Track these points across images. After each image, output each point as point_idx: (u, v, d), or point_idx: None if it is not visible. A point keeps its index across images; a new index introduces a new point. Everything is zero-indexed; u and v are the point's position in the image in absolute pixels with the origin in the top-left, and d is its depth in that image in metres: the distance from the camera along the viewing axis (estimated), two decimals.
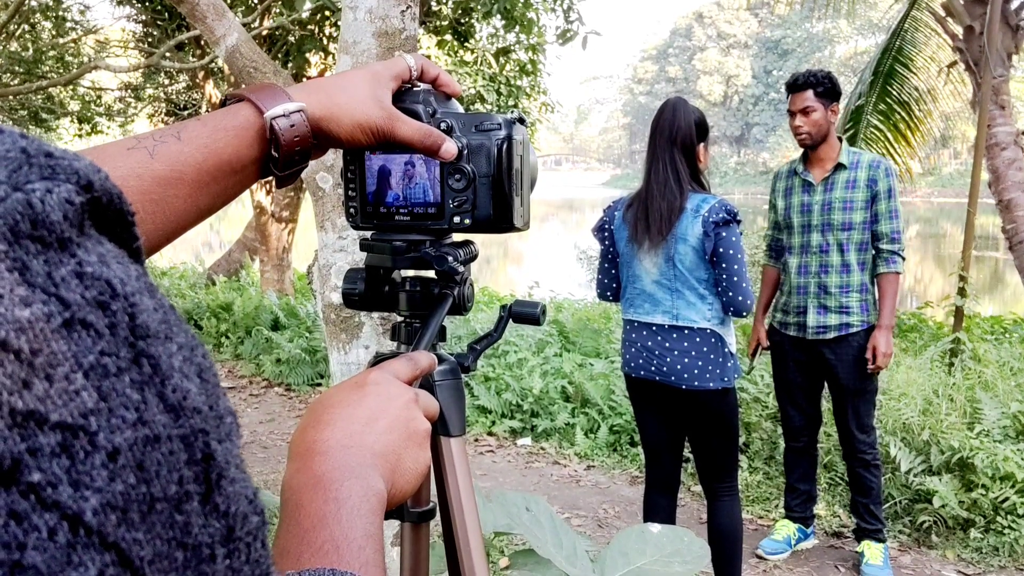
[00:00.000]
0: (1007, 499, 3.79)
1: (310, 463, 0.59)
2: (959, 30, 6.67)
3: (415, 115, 0.83)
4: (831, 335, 3.47)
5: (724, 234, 2.74)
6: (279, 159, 0.70)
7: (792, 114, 3.49)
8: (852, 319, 3.45)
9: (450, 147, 0.80)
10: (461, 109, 0.87)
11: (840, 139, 3.51)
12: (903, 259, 3.44)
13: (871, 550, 3.55)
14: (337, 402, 0.65)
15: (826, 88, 3.43)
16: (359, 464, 0.60)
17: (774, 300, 3.76)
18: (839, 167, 3.44)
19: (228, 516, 0.30)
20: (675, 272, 2.83)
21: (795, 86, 3.48)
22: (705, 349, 2.84)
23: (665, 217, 2.79)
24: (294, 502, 0.57)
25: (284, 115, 0.70)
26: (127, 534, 0.25)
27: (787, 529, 3.77)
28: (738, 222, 2.78)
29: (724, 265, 2.76)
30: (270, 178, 0.75)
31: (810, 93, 3.42)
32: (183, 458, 0.28)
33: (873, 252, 3.46)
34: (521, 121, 0.86)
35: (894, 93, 7.68)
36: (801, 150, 3.59)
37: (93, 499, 0.24)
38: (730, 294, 2.77)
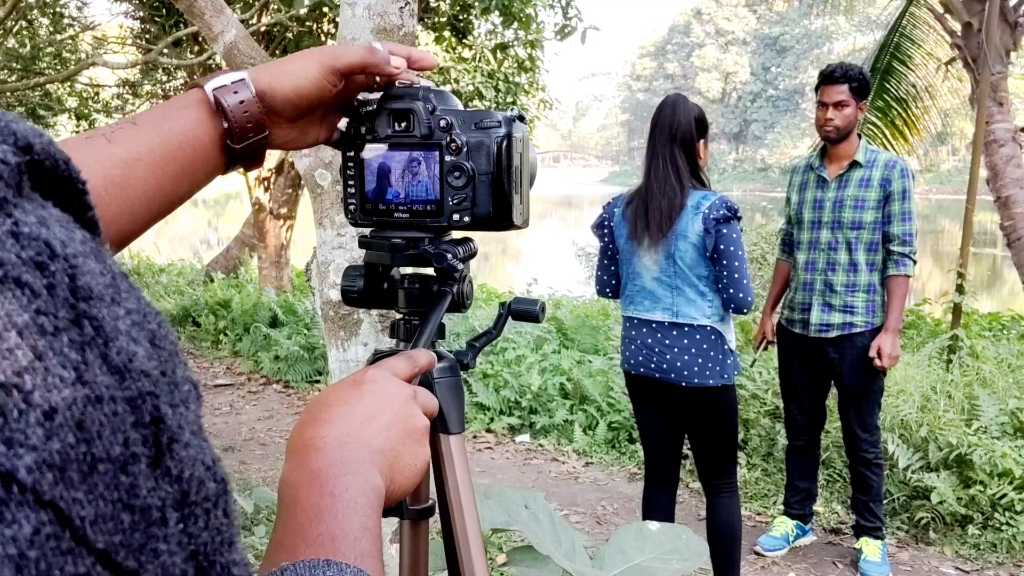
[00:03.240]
0: (1005, 495, 3.79)
1: (307, 459, 0.59)
2: (957, 27, 6.67)
3: (413, 112, 0.83)
4: (834, 334, 3.45)
5: (725, 231, 2.74)
6: (233, 132, 0.72)
7: (824, 106, 3.41)
8: (856, 319, 3.41)
9: (397, 60, 0.80)
10: (460, 106, 0.87)
11: (859, 136, 3.47)
12: (914, 262, 3.39)
13: (869, 547, 3.55)
14: (335, 400, 0.65)
15: (860, 84, 3.38)
16: (357, 460, 0.60)
17: (784, 297, 3.73)
18: (854, 165, 3.39)
19: (182, 481, 0.30)
20: (675, 269, 2.82)
21: (832, 78, 3.40)
22: (705, 346, 2.84)
23: (666, 214, 2.79)
24: (291, 497, 0.57)
25: (225, 85, 0.71)
26: (65, 493, 0.25)
27: (785, 526, 3.76)
28: (738, 219, 2.78)
29: (725, 262, 2.76)
30: (256, 169, 0.76)
31: (846, 87, 3.36)
32: (129, 420, 0.28)
33: (884, 253, 3.41)
34: (521, 119, 0.86)
35: (892, 90, 7.68)
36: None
37: (27, 457, 0.24)
38: (730, 291, 2.77)
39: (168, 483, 0.29)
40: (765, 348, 3.85)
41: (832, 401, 3.86)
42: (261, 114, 0.73)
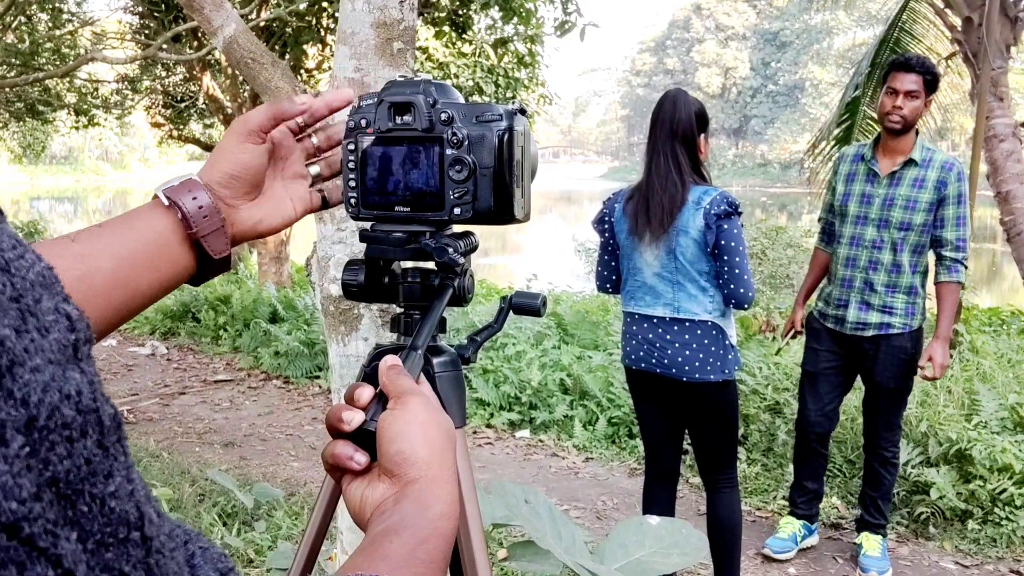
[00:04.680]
0: (1005, 490, 3.80)
1: (411, 480, 0.65)
2: (958, 21, 6.65)
3: (414, 105, 0.83)
4: (870, 333, 3.35)
5: (726, 226, 2.73)
6: (188, 220, 0.77)
7: (894, 93, 3.26)
8: (894, 320, 3.32)
9: (303, 97, 0.85)
10: (461, 99, 0.87)
11: (916, 133, 3.34)
12: (966, 268, 3.29)
13: (869, 541, 3.54)
14: (436, 425, 0.70)
15: (933, 78, 3.28)
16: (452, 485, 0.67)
17: (819, 287, 3.61)
18: (910, 163, 3.27)
19: (28, 405, 0.30)
20: (676, 265, 2.82)
21: (907, 66, 3.28)
22: (706, 341, 2.84)
23: (667, 210, 2.78)
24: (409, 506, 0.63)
25: (174, 185, 0.78)
26: None
27: (792, 527, 3.66)
28: (739, 214, 2.77)
29: (726, 257, 2.75)
30: (226, 272, 0.83)
31: (920, 77, 3.24)
32: None
33: (928, 256, 3.32)
34: (522, 112, 0.86)
35: None
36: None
37: None
38: (731, 286, 2.77)
39: (11, 405, 0.29)
40: (793, 337, 3.76)
41: (844, 401, 3.80)
42: (215, 203, 0.78)
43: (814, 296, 3.69)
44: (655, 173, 2.82)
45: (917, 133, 3.36)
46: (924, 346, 3.38)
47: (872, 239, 3.33)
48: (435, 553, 0.60)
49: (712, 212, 2.73)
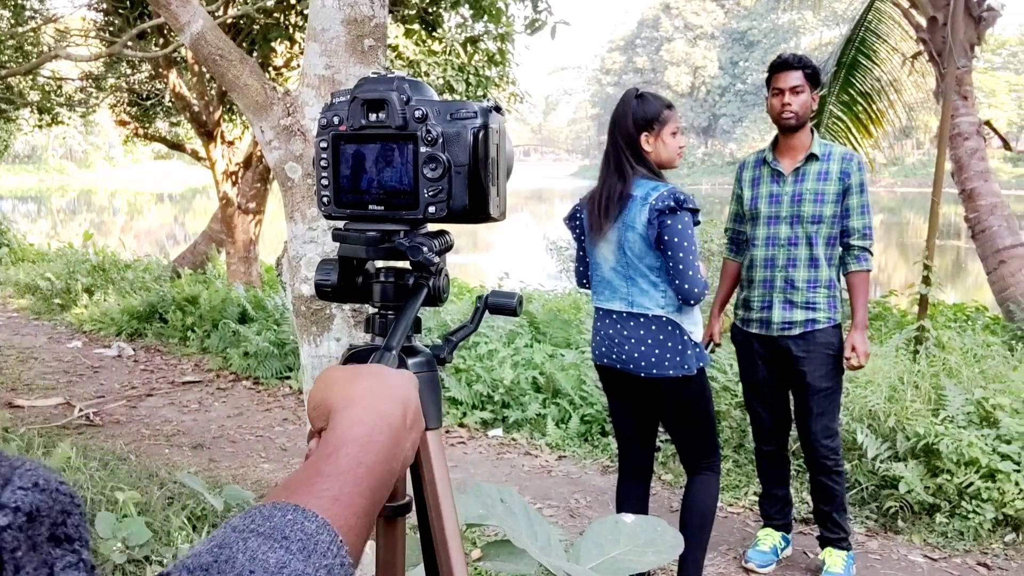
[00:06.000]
0: (971, 484, 3.85)
1: (348, 426, 0.63)
2: (923, 21, 6.75)
3: (388, 102, 0.82)
4: (797, 331, 3.35)
5: (669, 222, 2.74)
6: None
7: (779, 92, 3.34)
8: (819, 315, 3.33)
9: None
10: (436, 97, 0.86)
11: (812, 130, 3.42)
12: (872, 255, 3.37)
13: (832, 557, 3.48)
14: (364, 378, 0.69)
15: (813, 71, 3.35)
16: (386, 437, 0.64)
17: (735, 297, 3.60)
18: (811, 158, 3.33)
19: None
20: (627, 260, 2.86)
21: (787, 64, 3.35)
22: (661, 337, 2.85)
23: (609, 202, 2.85)
24: (330, 447, 0.61)
25: None
26: None
27: (772, 539, 3.61)
28: (690, 211, 2.76)
29: (670, 253, 2.76)
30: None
31: (800, 73, 3.32)
32: None
33: (841, 248, 3.37)
34: (497, 109, 0.85)
35: (857, 84, 7.75)
36: (764, 141, 3.51)
37: None
38: (676, 282, 2.78)
39: None
40: (712, 350, 3.72)
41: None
42: None
43: (731, 308, 3.67)
44: (601, 170, 2.94)
45: (813, 131, 3.43)
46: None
47: (787, 236, 3.36)
48: (344, 464, 0.58)
49: (655, 208, 2.75)
